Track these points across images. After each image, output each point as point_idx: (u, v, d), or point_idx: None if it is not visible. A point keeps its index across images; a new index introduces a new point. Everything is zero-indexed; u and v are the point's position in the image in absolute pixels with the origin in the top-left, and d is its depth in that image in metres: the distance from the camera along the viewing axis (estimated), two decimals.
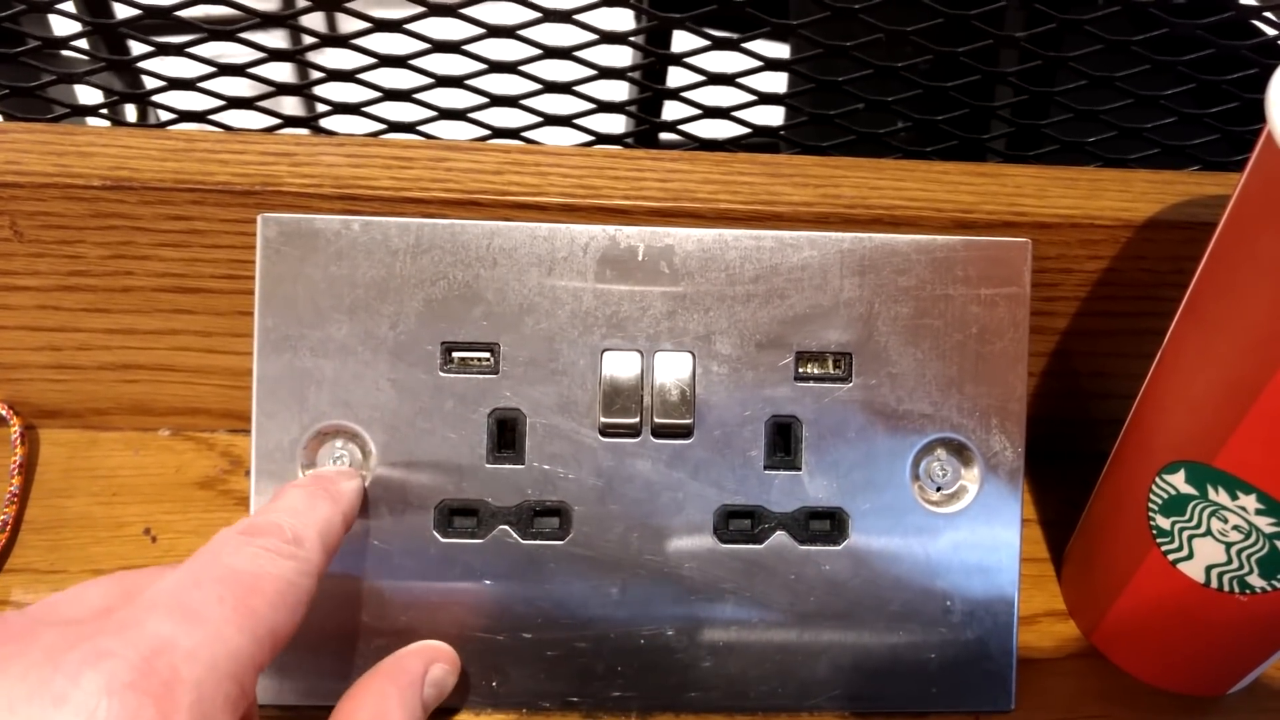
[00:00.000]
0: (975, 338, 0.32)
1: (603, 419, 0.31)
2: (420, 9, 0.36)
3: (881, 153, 0.40)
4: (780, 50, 0.42)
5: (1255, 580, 0.28)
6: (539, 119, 0.39)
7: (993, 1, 0.38)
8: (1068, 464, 0.38)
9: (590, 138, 0.40)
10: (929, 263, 0.32)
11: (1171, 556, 0.30)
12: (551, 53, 0.37)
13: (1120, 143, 0.40)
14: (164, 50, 0.37)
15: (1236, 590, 0.29)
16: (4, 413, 0.37)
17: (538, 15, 0.36)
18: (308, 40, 0.37)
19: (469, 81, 0.37)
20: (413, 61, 0.37)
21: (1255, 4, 0.40)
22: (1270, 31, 0.39)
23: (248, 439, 0.37)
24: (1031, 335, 0.32)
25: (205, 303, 0.35)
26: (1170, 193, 0.35)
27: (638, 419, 0.31)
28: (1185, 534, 0.29)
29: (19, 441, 0.36)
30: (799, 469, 0.32)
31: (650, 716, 0.32)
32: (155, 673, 0.20)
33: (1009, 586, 0.32)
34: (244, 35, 0.36)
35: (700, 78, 0.38)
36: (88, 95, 0.39)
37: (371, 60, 0.37)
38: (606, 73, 0.38)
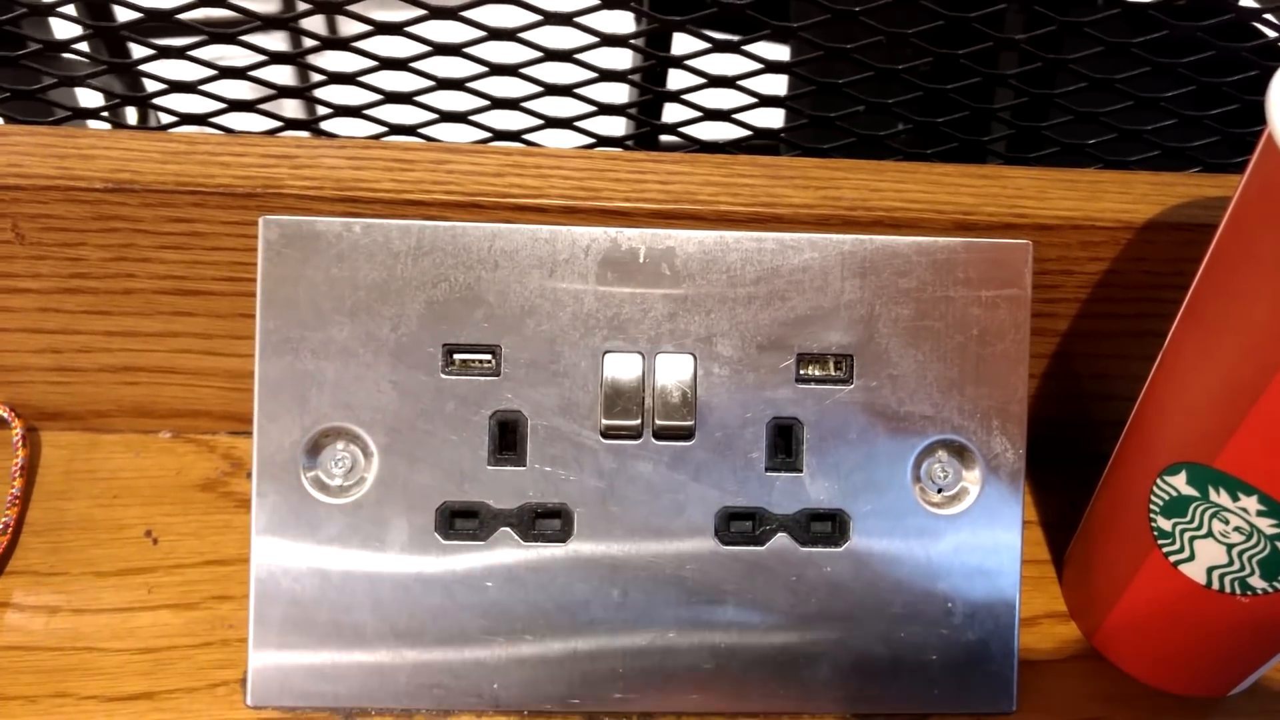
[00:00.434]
0: (976, 339, 0.32)
1: (604, 421, 0.31)
2: (421, 11, 0.36)
3: (882, 155, 0.40)
4: (781, 52, 0.43)
5: (1256, 581, 0.28)
6: (539, 121, 0.39)
7: (993, 4, 0.38)
8: (1068, 466, 0.38)
9: (590, 140, 0.40)
10: (930, 264, 0.32)
11: (1173, 558, 0.30)
12: (552, 55, 0.37)
13: (1120, 145, 0.40)
14: (165, 53, 0.37)
15: (1238, 591, 0.29)
16: (5, 415, 0.37)
17: (538, 18, 0.36)
18: (309, 43, 0.37)
19: (470, 84, 0.38)
20: (413, 64, 0.37)
21: (1255, 6, 0.40)
22: (1270, 34, 0.39)
23: (248, 441, 0.37)
24: (1032, 337, 0.32)
25: (206, 305, 0.35)
26: (1171, 195, 0.35)
27: (639, 421, 0.31)
28: (1186, 535, 0.29)
29: (20, 444, 0.36)
30: (800, 471, 0.32)
31: (651, 719, 0.32)
32: None
33: (1010, 588, 0.32)
34: (244, 38, 0.36)
35: (700, 80, 0.38)
36: (89, 99, 0.39)
37: (372, 63, 0.37)
38: (607, 75, 0.38)
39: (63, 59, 0.38)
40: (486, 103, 0.38)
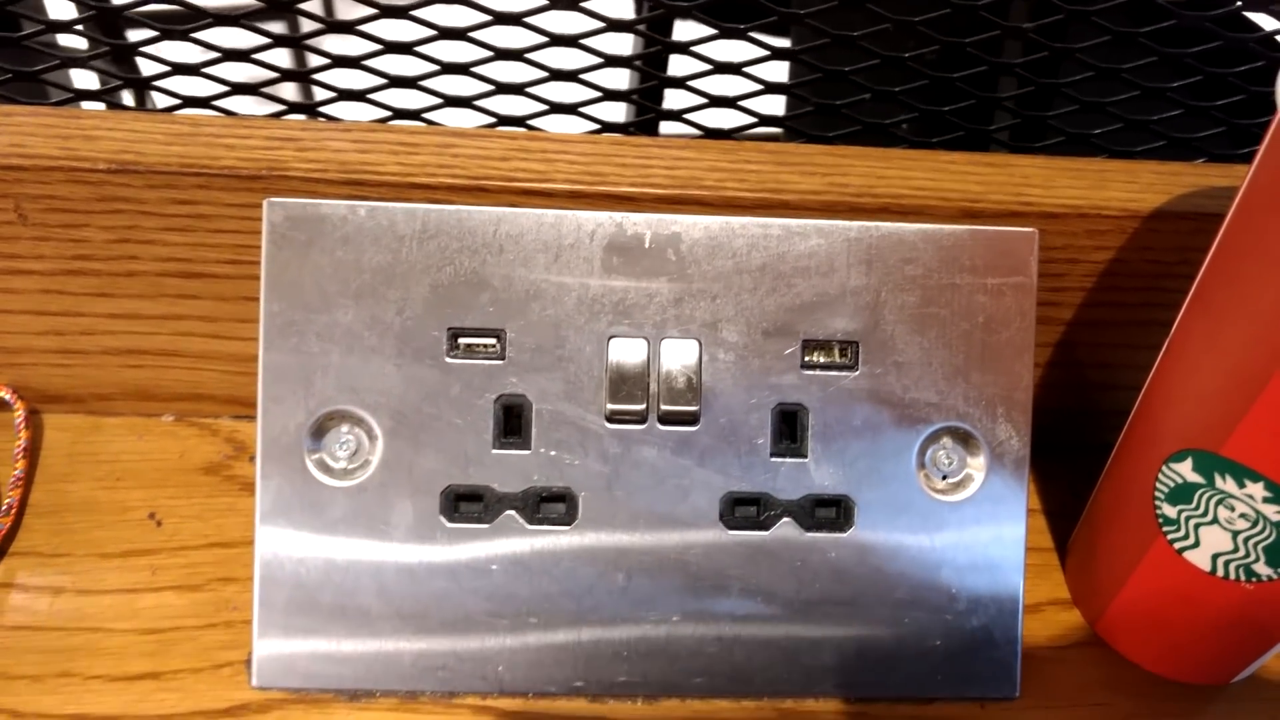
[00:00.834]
0: (981, 327, 0.32)
1: (609, 406, 0.31)
2: None
3: (886, 143, 0.40)
4: (785, 40, 0.42)
5: (1261, 568, 0.29)
6: (544, 107, 0.39)
7: None
8: (1072, 455, 0.38)
9: (595, 126, 0.40)
10: (936, 252, 0.32)
11: (1177, 545, 0.30)
12: (557, 40, 0.37)
13: (1126, 135, 0.40)
14: (167, 35, 0.36)
15: (1243, 578, 0.29)
16: (8, 397, 0.37)
17: (543, 2, 0.36)
18: (312, 26, 0.37)
19: (474, 69, 0.37)
20: (417, 48, 0.37)
21: None
22: (1277, 24, 0.39)
23: (252, 425, 0.37)
24: (1037, 326, 0.32)
25: (210, 288, 0.35)
26: (1177, 184, 0.35)
27: (644, 406, 0.31)
28: (1192, 522, 0.29)
29: (23, 426, 0.36)
30: (805, 457, 0.32)
31: (656, 702, 0.32)
32: None
33: (1014, 575, 0.32)
34: (247, 21, 0.36)
35: (705, 66, 0.38)
36: (91, 82, 0.39)
37: (376, 46, 0.37)
38: (612, 61, 0.38)
39: (62, 42, 0.38)
40: (491, 87, 0.38)
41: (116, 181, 0.32)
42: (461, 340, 0.31)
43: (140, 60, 0.38)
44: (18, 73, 0.37)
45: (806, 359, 0.32)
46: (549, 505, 0.32)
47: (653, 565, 0.32)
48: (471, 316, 0.31)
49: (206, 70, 0.37)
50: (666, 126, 0.42)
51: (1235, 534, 0.28)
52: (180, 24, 0.36)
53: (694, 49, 0.38)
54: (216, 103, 0.38)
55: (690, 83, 0.39)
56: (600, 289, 0.31)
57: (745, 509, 0.32)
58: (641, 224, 0.31)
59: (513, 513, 0.31)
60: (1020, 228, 0.32)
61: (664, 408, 0.31)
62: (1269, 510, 0.27)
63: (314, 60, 0.38)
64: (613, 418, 0.31)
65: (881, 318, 0.32)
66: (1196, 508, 0.29)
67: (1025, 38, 0.39)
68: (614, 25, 0.37)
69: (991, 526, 0.32)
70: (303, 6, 0.37)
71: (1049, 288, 0.36)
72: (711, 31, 0.38)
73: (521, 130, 0.36)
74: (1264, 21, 0.41)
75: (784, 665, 0.32)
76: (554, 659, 0.31)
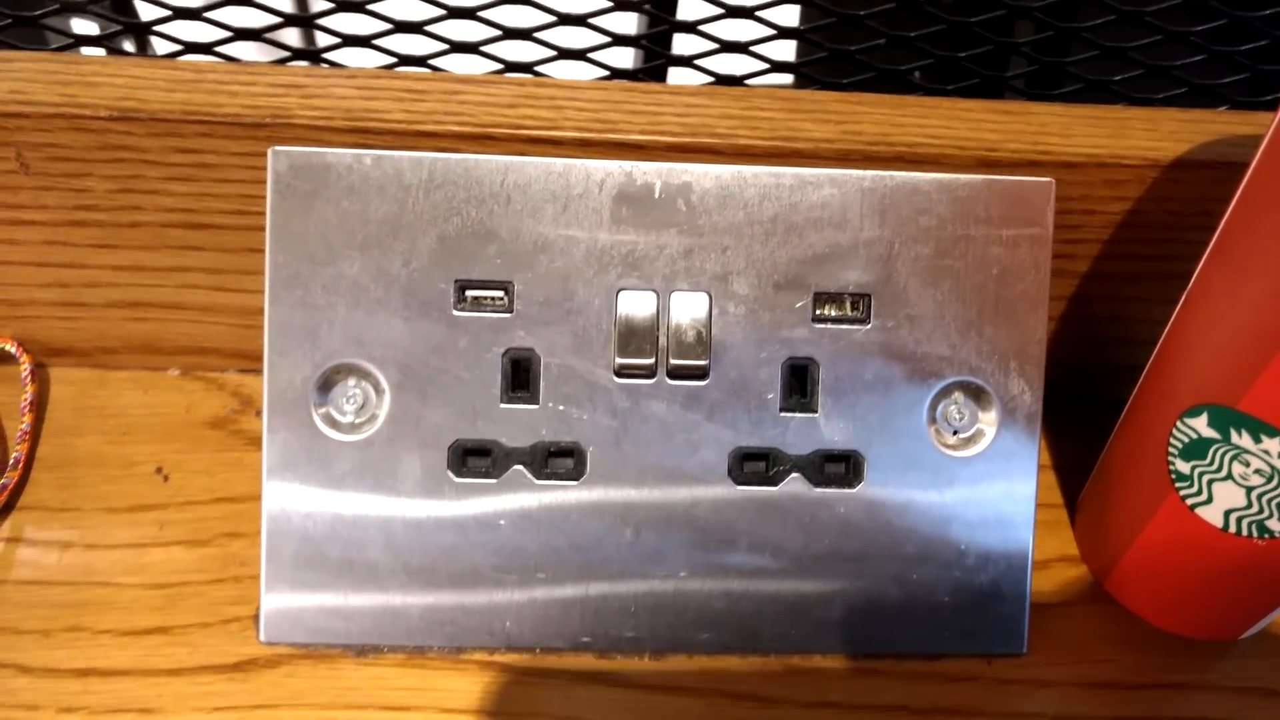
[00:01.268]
0: (996, 279, 0.32)
1: (618, 359, 0.31)
2: None
3: (900, 90, 0.39)
4: None
5: (1275, 525, 0.28)
6: (552, 53, 0.38)
7: None
8: (1083, 410, 0.37)
9: (603, 73, 0.39)
10: (951, 202, 0.31)
11: (1190, 501, 0.30)
12: None
13: (1147, 81, 0.39)
14: None
15: (1255, 535, 0.29)
16: (13, 350, 0.37)
17: None
18: None
19: (480, 13, 0.37)
20: None
21: None
22: None
23: (258, 379, 0.37)
24: (1051, 278, 0.32)
25: (215, 239, 0.34)
26: (1199, 132, 0.34)
27: (653, 360, 0.31)
28: (1205, 478, 0.29)
29: (29, 379, 0.36)
30: (815, 411, 0.32)
31: (663, 658, 0.32)
32: None
33: (1024, 530, 0.32)
34: None
35: (716, 10, 0.37)
36: (90, 28, 0.38)
37: None
38: (621, 4, 0.37)
39: None
40: (498, 32, 0.37)
41: (118, 129, 0.32)
42: (469, 293, 0.31)
43: (140, 4, 0.38)
44: (17, 18, 0.36)
45: (818, 312, 0.32)
46: (557, 460, 0.31)
47: (661, 520, 0.31)
48: (479, 268, 0.31)
49: (208, 15, 0.36)
50: (676, 73, 0.41)
51: (1250, 490, 0.28)
52: None
53: None
54: (219, 49, 0.37)
55: (701, 27, 0.38)
56: (609, 240, 0.31)
57: (754, 464, 0.32)
58: (651, 173, 0.31)
59: (521, 467, 0.31)
60: (1037, 178, 0.31)
61: (673, 362, 0.31)
62: None
63: (318, 4, 0.37)
64: (621, 372, 0.31)
65: (894, 270, 0.31)
66: (1211, 463, 0.29)
67: None
68: None
69: (1002, 482, 0.32)
70: None
71: (1065, 239, 0.35)
72: None
73: (530, 76, 0.35)
74: None
75: (792, 621, 0.32)
76: (561, 614, 0.31)
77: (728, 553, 0.32)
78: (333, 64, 0.37)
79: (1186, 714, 0.32)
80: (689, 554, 0.32)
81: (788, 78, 0.40)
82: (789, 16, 0.39)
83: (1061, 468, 0.38)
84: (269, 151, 0.30)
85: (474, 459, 0.31)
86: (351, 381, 0.31)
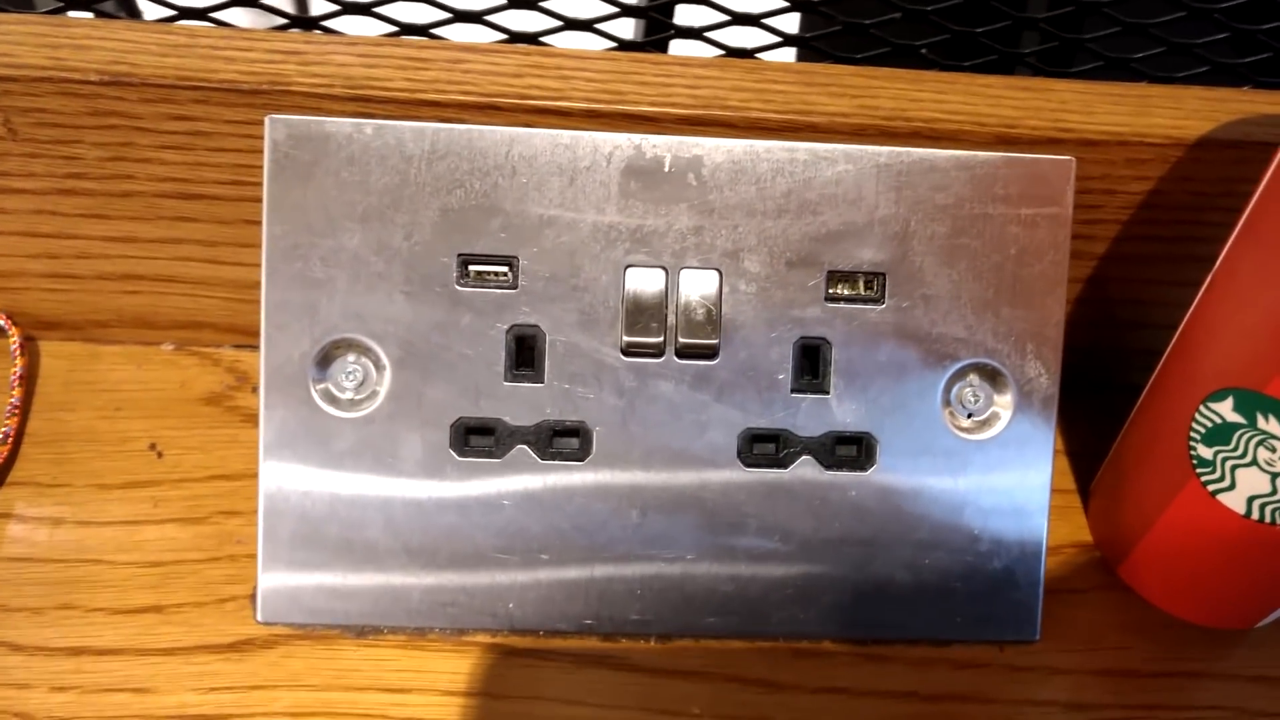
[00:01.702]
0: (1014, 259, 0.31)
1: (625, 338, 0.30)
2: None
3: (915, 65, 0.38)
4: None
5: None
6: (558, 23, 0.37)
7: None
8: (1097, 395, 0.36)
9: (609, 44, 0.38)
10: (968, 180, 0.30)
11: (1211, 487, 0.29)
12: None
13: (1168, 59, 0.38)
14: None
15: (1277, 522, 0.28)
16: (3, 323, 0.36)
17: None
18: None
19: None
20: None
21: None
22: None
23: (254, 355, 0.36)
24: (1069, 259, 0.31)
25: (209, 210, 0.33)
26: (1223, 111, 0.33)
27: (661, 338, 0.30)
28: (1228, 464, 0.28)
29: (19, 353, 0.35)
30: (827, 393, 0.31)
31: (669, 641, 0.31)
32: None
33: (1038, 516, 0.32)
34: None
35: None
36: None
37: None
38: None
39: None
40: (503, 1, 0.36)
41: (109, 94, 0.31)
42: (472, 268, 0.30)
43: None
44: None
45: (831, 291, 0.31)
46: (562, 440, 0.31)
47: (668, 502, 0.31)
48: (483, 242, 0.30)
49: None
50: (684, 45, 0.40)
51: (1275, 476, 0.27)
52: None
53: None
54: (213, 15, 0.36)
55: None
56: (617, 215, 0.30)
57: (764, 446, 0.31)
58: (661, 146, 0.30)
59: (525, 447, 0.30)
60: (1057, 156, 0.31)
61: (682, 340, 0.30)
62: None
63: None
64: (628, 350, 0.30)
65: (910, 249, 0.31)
66: (1235, 449, 0.28)
67: None
68: None
69: (1017, 467, 0.31)
70: None
71: (1083, 220, 0.34)
72: None
73: (536, 45, 0.34)
74: None
75: (800, 606, 0.31)
76: (565, 596, 0.31)
77: (736, 536, 0.31)
78: (332, 31, 0.36)
79: (1200, 702, 0.32)
80: (697, 536, 0.31)
81: (794, 52, 0.39)
82: None
83: (1074, 453, 0.37)
84: (266, 120, 0.29)
85: (477, 438, 0.30)
86: (351, 357, 0.30)
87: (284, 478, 0.30)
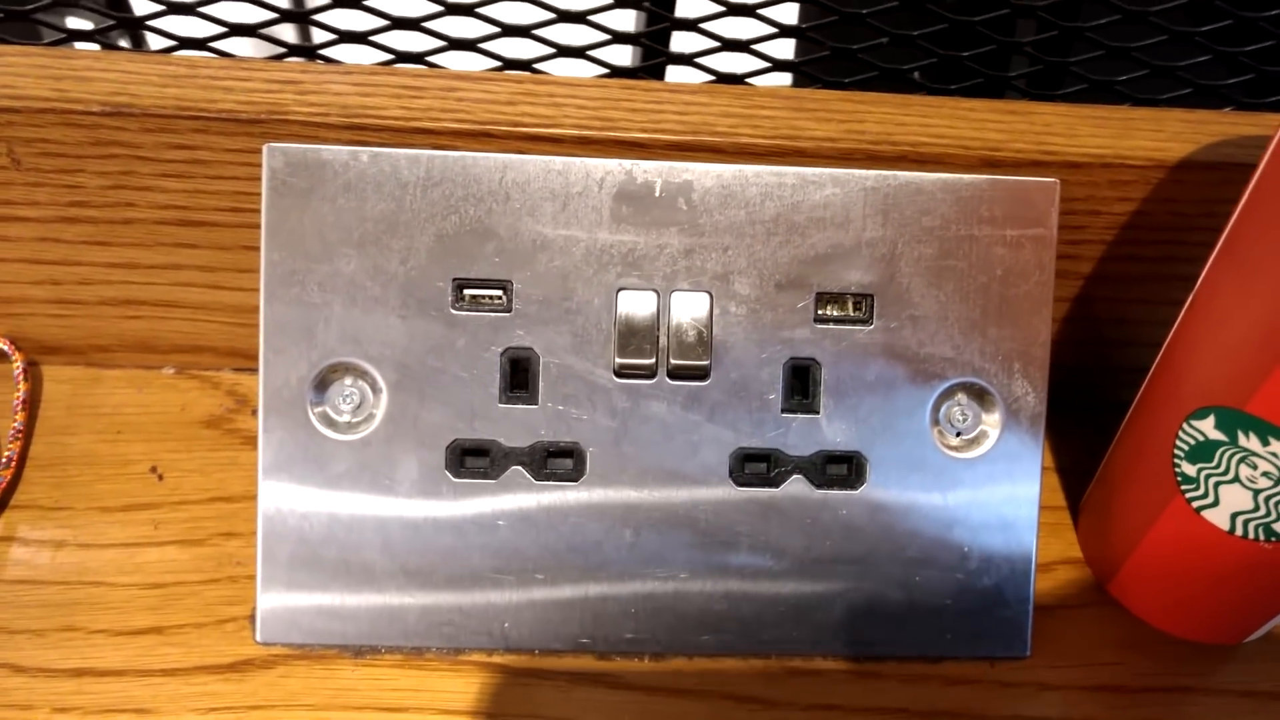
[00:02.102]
0: (999, 280, 0.31)
1: (618, 359, 0.31)
2: None
3: (902, 90, 0.38)
4: None
5: None
6: (550, 50, 0.37)
7: None
8: (1086, 413, 0.37)
9: (602, 70, 0.38)
10: (954, 202, 0.31)
11: (1196, 504, 0.29)
12: None
13: (1151, 82, 0.39)
14: None
15: (1261, 538, 0.29)
16: (6, 348, 0.36)
17: None
18: None
19: (479, 9, 0.36)
20: None
21: None
22: None
23: (253, 378, 0.37)
24: (1055, 279, 0.31)
25: (209, 236, 0.34)
26: (1204, 133, 0.33)
27: (653, 360, 0.31)
28: (1212, 481, 0.29)
29: (21, 377, 0.36)
30: (817, 412, 0.31)
31: (663, 659, 0.32)
32: None
33: (1027, 533, 0.32)
34: None
35: (716, 8, 0.37)
36: (83, 23, 0.38)
37: None
38: (620, 1, 0.37)
39: None
40: (496, 29, 0.37)
41: (111, 124, 0.31)
42: (467, 291, 0.31)
43: (134, 0, 0.37)
44: (9, 12, 0.36)
45: (820, 312, 0.31)
46: (556, 460, 0.31)
47: (661, 522, 0.31)
48: (477, 267, 0.30)
49: (203, 10, 0.36)
50: (675, 71, 0.41)
51: (1257, 493, 0.28)
52: None
53: None
54: (213, 45, 0.37)
55: (701, 25, 0.37)
56: (609, 239, 0.31)
57: (755, 465, 0.31)
58: (652, 172, 0.30)
59: (519, 468, 0.31)
60: (1041, 178, 0.31)
61: (674, 362, 0.31)
62: None
63: (314, 1, 0.37)
64: (621, 372, 0.31)
65: (897, 270, 0.31)
66: (1217, 466, 0.28)
67: None
68: None
69: (1005, 484, 0.32)
70: None
71: (1068, 240, 0.35)
72: None
73: (529, 74, 0.35)
74: None
75: (793, 623, 0.32)
76: (560, 616, 0.31)
77: (729, 554, 0.31)
78: (329, 60, 0.37)
79: (1190, 717, 0.32)
80: (690, 555, 0.31)
81: (788, 77, 0.40)
82: (789, 15, 0.39)
83: (1065, 470, 0.38)
84: (264, 148, 0.30)
85: (472, 459, 0.31)
86: (348, 380, 0.31)
87: (283, 500, 0.30)
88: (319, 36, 0.38)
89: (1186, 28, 0.38)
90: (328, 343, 0.30)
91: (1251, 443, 0.27)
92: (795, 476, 0.31)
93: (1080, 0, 0.39)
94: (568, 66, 0.38)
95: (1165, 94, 0.39)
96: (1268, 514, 0.28)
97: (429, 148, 0.31)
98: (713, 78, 0.38)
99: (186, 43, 0.37)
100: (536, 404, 0.31)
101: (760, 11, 0.37)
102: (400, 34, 0.37)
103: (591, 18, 0.37)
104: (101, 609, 0.32)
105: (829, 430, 0.31)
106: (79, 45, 0.37)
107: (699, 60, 0.38)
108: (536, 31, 0.37)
